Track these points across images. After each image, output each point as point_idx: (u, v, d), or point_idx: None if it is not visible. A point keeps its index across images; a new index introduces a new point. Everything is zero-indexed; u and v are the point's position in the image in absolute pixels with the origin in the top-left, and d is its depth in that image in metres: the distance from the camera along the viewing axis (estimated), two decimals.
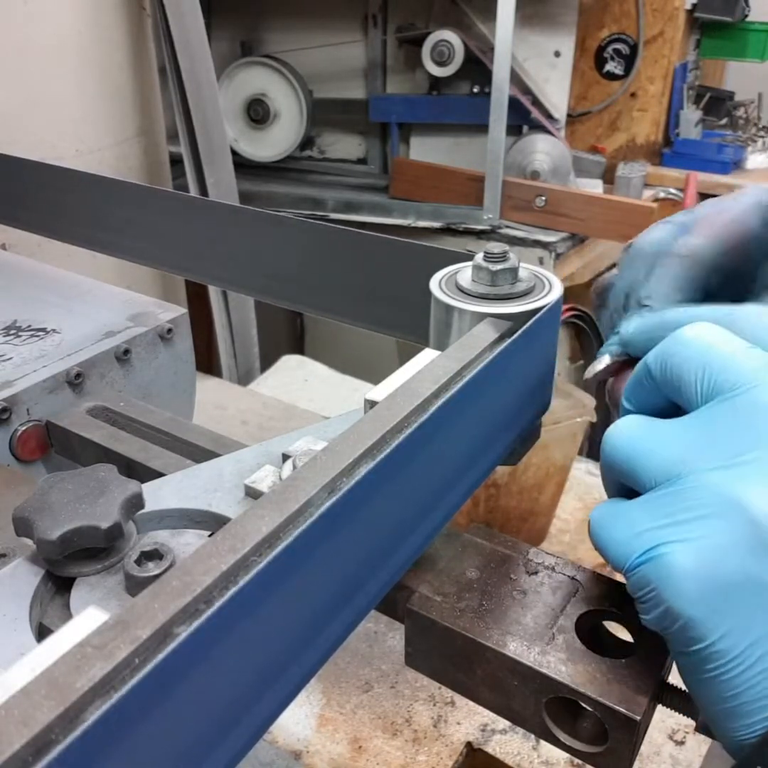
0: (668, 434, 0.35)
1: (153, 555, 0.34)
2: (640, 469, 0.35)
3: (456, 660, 0.39)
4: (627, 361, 0.42)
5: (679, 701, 0.36)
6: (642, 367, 0.38)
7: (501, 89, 2.03)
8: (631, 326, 0.42)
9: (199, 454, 0.52)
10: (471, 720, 0.78)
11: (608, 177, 2.46)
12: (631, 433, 0.36)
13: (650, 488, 0.34)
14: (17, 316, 0.67)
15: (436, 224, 2.27)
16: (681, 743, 0.77)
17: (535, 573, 0.41)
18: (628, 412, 0.40)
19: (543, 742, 0.51)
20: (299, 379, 1.71)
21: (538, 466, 0.99)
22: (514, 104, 2.12)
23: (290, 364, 1.80)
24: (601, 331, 0.48)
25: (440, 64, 2.25)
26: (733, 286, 0.45)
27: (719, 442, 0.33)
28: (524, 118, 2.25)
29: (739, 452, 0.32)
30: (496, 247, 0.44)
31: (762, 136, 2.68)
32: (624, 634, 0.39)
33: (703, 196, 2.46)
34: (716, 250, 0.42)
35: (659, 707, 0.36)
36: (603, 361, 0.43)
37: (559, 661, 0.36)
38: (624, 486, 0.36)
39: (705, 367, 0.34)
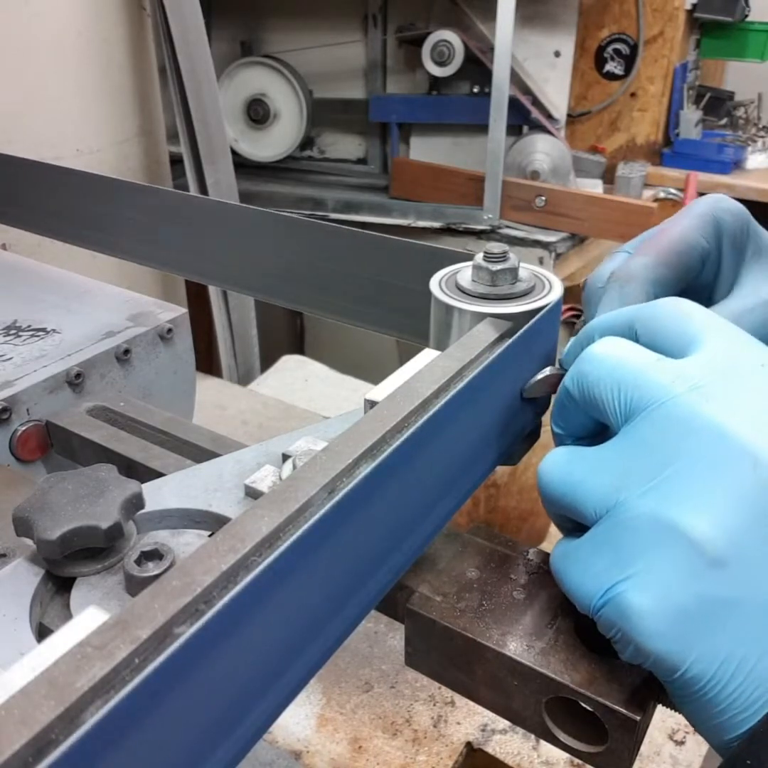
0: (597, 463, 0.35)
1: (153, 555, 0.34)
2: (579, 504, 0.35)
3: (456, 660, 0.39)
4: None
5: None
6: (562, 390, 0.38)
7: (501, 89, 2.03)
8: (567, 346, 0.42)
9: (199, 454, 0.52)
10: (471, 720, 0.78)
11: (608, 177, 2.46)
12: (561, 468, 0.36)
13: (593, 521, 0.34)
14: (17, 316, 0.67)
15: (436, 224, 2.27)
16: (681, 743, 0.77)
17: (535, 573, 0.41)
18: (558, 435, 0.40)
19: (543, 742, 0.51)
20: (299, 379, 1.71)
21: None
22: (514, 104, 2.12)
23: (290, 364, 1.80)
24: None
25: (440, 64, 2.25)
26: (693, 297, 0.45)
27: (643, 463, 0.33)
28: (524, 118, 2.25)
29: (660, 470, 0.32)
30: (496, 247, 0.44)
31: (762, 136, 2.68)
32: None
33: None
34: (658, 264, 0.42)
35: (659, 707, 0.36)
36: (541, 373, 0.43)
37: (559, 661, 0.36)
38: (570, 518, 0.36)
39: (618, 385, 0.35)
